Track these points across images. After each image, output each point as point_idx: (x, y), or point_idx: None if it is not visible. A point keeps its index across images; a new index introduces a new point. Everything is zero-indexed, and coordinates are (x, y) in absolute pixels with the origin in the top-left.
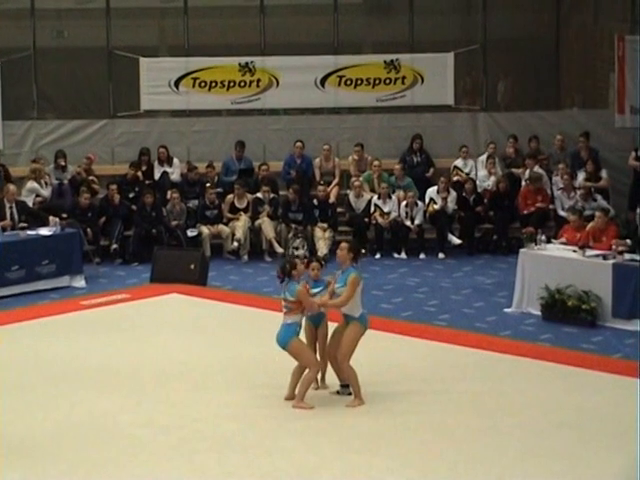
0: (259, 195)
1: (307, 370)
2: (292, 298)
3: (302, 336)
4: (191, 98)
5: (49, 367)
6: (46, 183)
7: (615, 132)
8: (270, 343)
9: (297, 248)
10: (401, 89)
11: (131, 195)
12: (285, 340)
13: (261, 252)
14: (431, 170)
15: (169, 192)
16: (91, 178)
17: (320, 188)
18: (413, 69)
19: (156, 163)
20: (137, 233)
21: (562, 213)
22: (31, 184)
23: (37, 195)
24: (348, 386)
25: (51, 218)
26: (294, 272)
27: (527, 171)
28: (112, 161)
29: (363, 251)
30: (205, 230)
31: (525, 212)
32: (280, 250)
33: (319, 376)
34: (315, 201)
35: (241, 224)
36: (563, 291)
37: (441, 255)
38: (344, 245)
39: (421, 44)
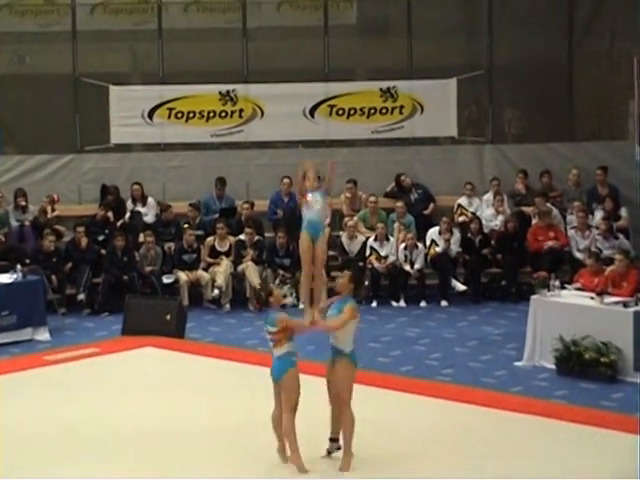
0: (242, 237)
1: (284, 417)
2: (274, 329)
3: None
4: (166, 130)
5: (9, 430)
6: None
7: (635, 166)
8: (256, 400)
9: (285, 296)
10: (399, 119)
11: (100, 238)
12: (280, 371)
13: (245, 300)
14: (431, 206)
15: (142, 234)
16: (55, 214)
17: None
18: (412, 97)
19: (129, 202)
20: (107, 280)
21: (577, 255)
22: None
23: None
24: (337, 440)
25: None
26: (271, 299)
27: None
28: (79, 200)
29: (366, 283)
30: (183, 276)
31: (535, 250)
32: None
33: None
34: None
35: (222, 269)
36: (579, 342)
37: (444, 303)
38: (346, 273)
39: (421, 70)
